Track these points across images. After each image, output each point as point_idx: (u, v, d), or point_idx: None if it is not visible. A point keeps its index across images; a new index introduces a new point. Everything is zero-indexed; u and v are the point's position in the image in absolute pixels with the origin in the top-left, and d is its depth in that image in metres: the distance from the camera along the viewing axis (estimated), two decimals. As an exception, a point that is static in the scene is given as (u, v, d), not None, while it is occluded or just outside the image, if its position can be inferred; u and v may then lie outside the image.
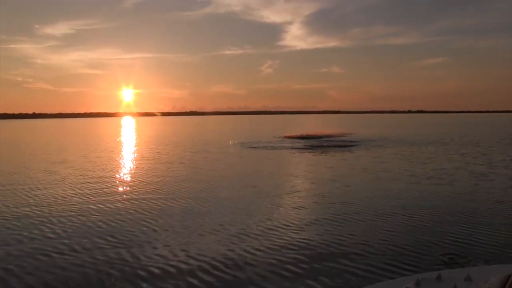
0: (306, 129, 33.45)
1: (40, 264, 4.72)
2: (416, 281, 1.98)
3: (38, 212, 7.15)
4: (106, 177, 11.19)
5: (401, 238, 5.46)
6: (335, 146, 20.66)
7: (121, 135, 37.15)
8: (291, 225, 6.16)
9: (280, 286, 4.06)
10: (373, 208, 7.17)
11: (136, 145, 24.96)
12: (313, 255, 4.85)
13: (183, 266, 4.59)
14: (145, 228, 6.08)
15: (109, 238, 5.61)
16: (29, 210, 7.35)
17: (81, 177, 11.25)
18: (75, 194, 8.79)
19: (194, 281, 4.19)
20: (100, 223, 6.39)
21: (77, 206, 7.60)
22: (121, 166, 14.12)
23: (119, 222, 6.47)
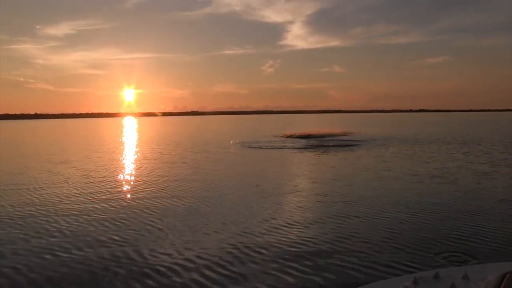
0: (308, 129, 33.43)
1: (47, 263, 4.77)
2: (414, 279, 2.00)
3: (43, 212, 7.21)
4: (109, 177, 11.25)
5: (404, 237, 5.51)
6: (336, 145, 20.67)
7: (122, 135, 37.21)
8: (295, 223, 6.21)
9: (284, 282, 4.11)
10: (375, 206, 7.22)
11: (138, 145, 25.01)
12: (317, 253, 4.90)
13: (189, 264, 4.64)
14: (150, 227, 6.14)
15: (115, 237, 5.67)
16: (34, 209, 7.41)
17: (85, 177, 11.32)
18: (79, 194, 8.85)
19: (200, 279, 4.24)
20: (105, 222, 6.44)
21: (82, 206, 7.66)
22: (124, 166, 14.17)
23: (124, 221, 6.53)
